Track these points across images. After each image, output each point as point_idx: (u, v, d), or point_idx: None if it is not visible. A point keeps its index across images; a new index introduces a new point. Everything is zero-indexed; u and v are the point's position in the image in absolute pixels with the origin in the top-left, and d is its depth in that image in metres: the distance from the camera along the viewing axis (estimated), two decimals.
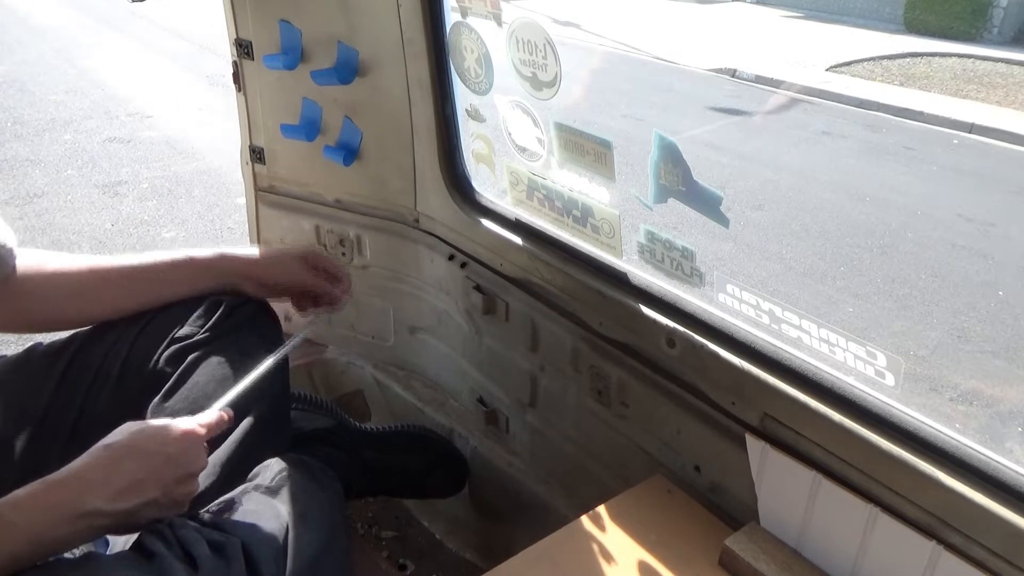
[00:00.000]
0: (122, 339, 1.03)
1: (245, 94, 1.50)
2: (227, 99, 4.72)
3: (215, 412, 0.87)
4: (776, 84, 7.97)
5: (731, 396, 0.99)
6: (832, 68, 8.87)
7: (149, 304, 1.06)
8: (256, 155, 1.55)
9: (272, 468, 0.95)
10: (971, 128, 6.67)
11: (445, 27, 1.23)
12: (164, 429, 0.79)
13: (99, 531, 0.75)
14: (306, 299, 1.16)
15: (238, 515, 0.85)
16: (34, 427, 0.97)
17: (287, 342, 1.06)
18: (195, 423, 0.83)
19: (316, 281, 1.13)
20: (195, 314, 1.04)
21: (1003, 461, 0.77)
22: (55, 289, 1.00)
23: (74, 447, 0.98)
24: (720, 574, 0.94)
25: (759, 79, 8.10)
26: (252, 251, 1.14)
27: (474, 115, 1.28)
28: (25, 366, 1.03)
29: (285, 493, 0.90)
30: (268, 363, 0.98)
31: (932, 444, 0.81)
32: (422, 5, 1.23)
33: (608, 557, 0.97)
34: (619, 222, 1.10)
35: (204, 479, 0.94)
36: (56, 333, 1.07)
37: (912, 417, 0.83)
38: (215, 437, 0.88)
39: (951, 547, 0.79)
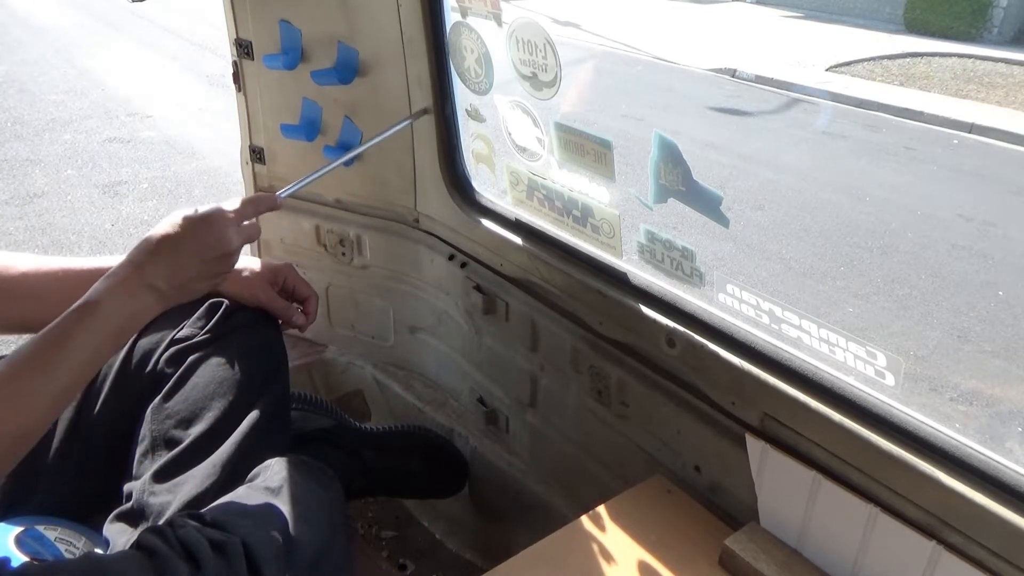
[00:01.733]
0: None
1: (245, 94, 1.50)
2: (227, 99, 4.72)
3: (250, 196, 1.03)
4: (776, 84, 7.97)
5: (731, 396, 0.99)
6: (832, 68, 8.87)
7: None
8: (256, 155, 1.55)
9: (272, 468, 0.95)
10: (971, 128, 6.67)
11: (445, 27, 1.23)
12: (195, 220, 0.91)
13: (163, 301, 0.89)
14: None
15: (239, 515, 0.85)
16: None
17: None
18: (226, 210, 0.94)
19: (273, 302, 1.10)
20: (195, 315, 1.04)
21: (1003, 461, 0.77)
22: (26, 290, 1.00)
23: (73, 447, 0.98)
24: (720, 574, 0.94)
25: (759, 79, 8.10)
26: None
27: (474, 115, 1.28)
28: None
29: (285, 493, 0.90)
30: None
31: (932, 444, 0.81)
32: (422, 5, 1.23)
33: (608, 557, 0.97)
34: (619, 222, 1.10)
35: (204, 479, 0.94)
36: None
37: (912, 417, 0.83)
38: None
39: (951, 547, 0.79)
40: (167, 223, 0.91)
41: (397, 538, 1.56)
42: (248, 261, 1.11)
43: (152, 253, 0.89)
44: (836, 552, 0.89)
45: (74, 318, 0.83)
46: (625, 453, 1.19)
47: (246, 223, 0.96)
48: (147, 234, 0.91)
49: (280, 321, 1.12)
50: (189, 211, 0.93)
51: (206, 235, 0.91)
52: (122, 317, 0.85)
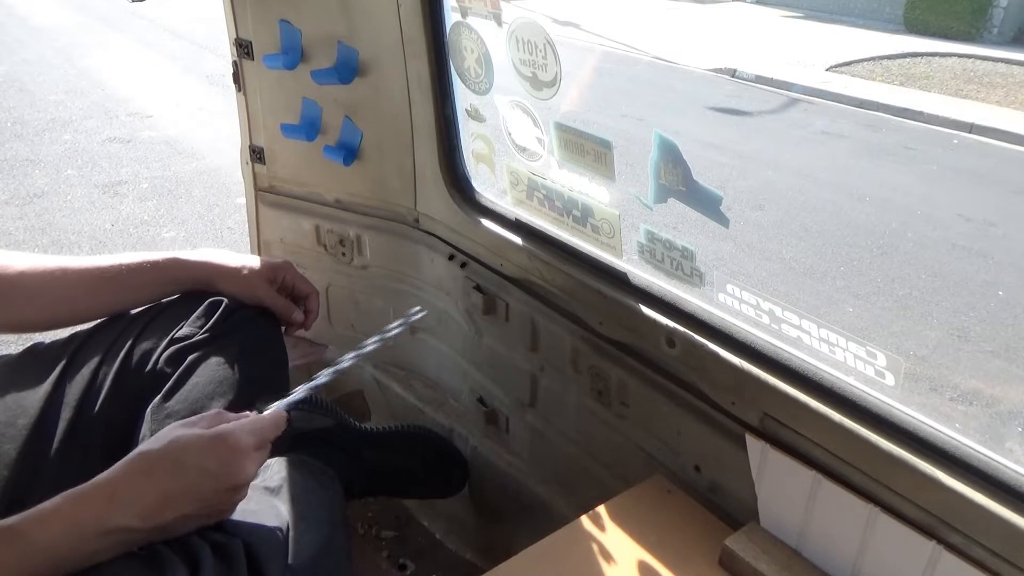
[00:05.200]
0: (121, 339, 1.03)
1: (245, 94, 1.50)
2: (227, 99, 4.72)
3: (269, 416, 0.83)
4: (776, 84, 7.98)
5: (731, 396, 0.99)
6: (832, 68, 8.88)
7: (113, 308, 1.05)
8: (256, 155, 1.55)
9: (272, 468, 0.95)
10: (971, 128, 6.68)
11: (445, 27, 1.23)
12: (206, 441, 0.74)
13: (130, 545, 0.72)
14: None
15: (239, 515, 0.85)
16: (33, 426, 0.97)
17: (403, 318, 1.06)
18: (245, 432, 0.77)
19: (273, 301, 1.08)
20: (195, 314, 1.04)
21: (1003, 461, 0.77)
22: (23, 290, 0.99)
23: (72, 446, 0.98)
24: (720, 574, 0.94)
25: (759, 79, 8.10)
26: (217, 256, 1.09)
27: (474, 115, 1.28)
28: (25, 365, 1.03)
29: (285, 493, 0.90)
30: (361, 351, 1.00)
31: (932, 444, 0.81)
32: (422, 5, 1.23)
33: (608, 557, 0.97)
34: (619, 222, 1.10)
35: None
36: (56, 332, 1.07)
37: (912, 417, 0.83)
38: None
39: (951, 547, 0.79)
40: (170, 443, 0.73)
41: (397, 538, 1.56)
42: (247, 259, 1.11)
43: (138, 482, 0.70)
44: (836, 552, 0.89)
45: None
46: (625, 453, 1.19)
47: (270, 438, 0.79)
48: (139, 449, 0.73)
49: (282, 321, 1.12)
50: (199, 435, 0.74)
51: (219, 467, 0.73)
52: (61, 557, 0.66)
